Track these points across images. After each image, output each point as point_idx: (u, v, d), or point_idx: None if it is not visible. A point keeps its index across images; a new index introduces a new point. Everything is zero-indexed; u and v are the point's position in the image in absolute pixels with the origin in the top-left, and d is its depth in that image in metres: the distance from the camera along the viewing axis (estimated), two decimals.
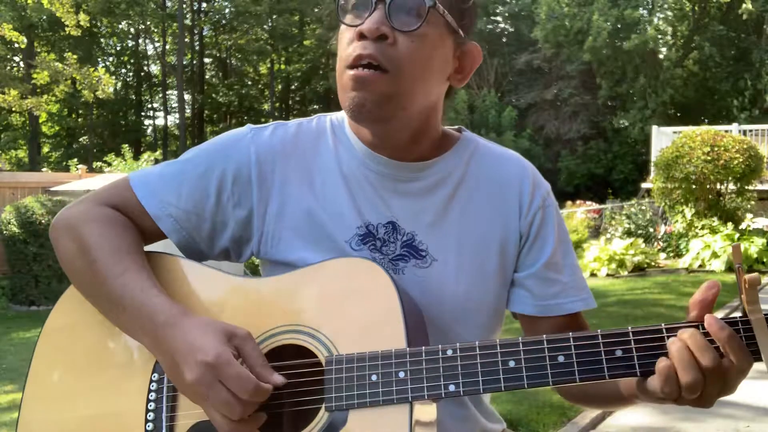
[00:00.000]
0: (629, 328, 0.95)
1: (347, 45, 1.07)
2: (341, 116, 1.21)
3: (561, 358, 0.95)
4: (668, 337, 0.94)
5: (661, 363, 0.92)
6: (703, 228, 11.41)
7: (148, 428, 1.05)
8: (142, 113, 38.29)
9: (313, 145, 1.18)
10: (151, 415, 1.05)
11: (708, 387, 0.92)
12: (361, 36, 1.05)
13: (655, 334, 0.94)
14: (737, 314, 0.95)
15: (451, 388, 0.97)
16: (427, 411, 1.01)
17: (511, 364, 0.96)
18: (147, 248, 1.17)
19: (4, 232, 9.86)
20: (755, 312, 0.90)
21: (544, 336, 0.97)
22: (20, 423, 1.11)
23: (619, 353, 0.94)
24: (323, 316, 1.04)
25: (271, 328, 1.05)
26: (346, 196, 1.14)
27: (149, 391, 1.06)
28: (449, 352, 0.98)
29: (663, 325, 0.95)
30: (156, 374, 1.07)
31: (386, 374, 0.98)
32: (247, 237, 1.17)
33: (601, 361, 0.94)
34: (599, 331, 0.95)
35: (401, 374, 0.97)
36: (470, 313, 1.15)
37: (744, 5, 24.13)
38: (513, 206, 1.18)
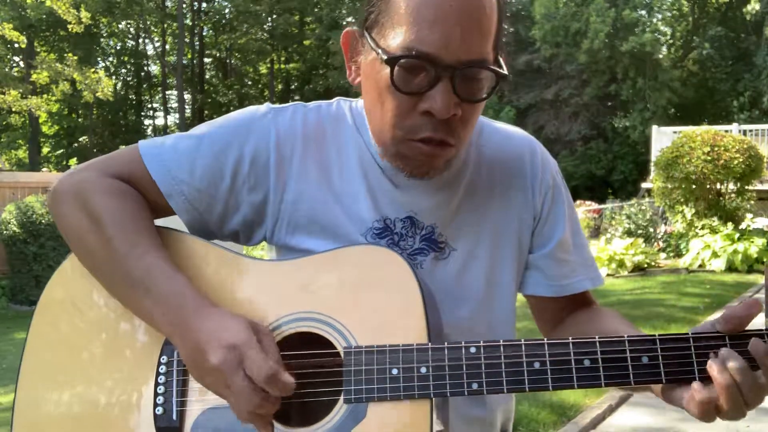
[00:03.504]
0: (656, 335, 0.94)
1: (405, 112, 0.98)
2: (362, 105, 1.14)
3: (587, 362, 0.94)
4: (696, 347, 0.93)
5: (701, 394, 0.91)
6: (703, 228, 11.41)
7: (157, 412, 1.01)
8: (142, 113, 38.32)
9: (333, 132, 1.13)
10: (160, 399, 1.02)
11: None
12: (427, 112, 0.97)
13: (682, 342, 0.94)
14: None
15: (474, 386, 0.94)
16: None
17: (536, 365, 0.94)
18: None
19: (4, 232, 9.87)
20: None
21: (570, 338, 0.95)
22: (17, 408, 1.05)
23: (645, 360, 0.93)
24: (340, 305, 1.00)
25: (286, 314, 1.02)
26: (364, 189, 1.10)
27: (158, 373, 1.03)
28: (473, 350, 0.95)
29: (690, 333, 0.94)
30: (165, 357, 1.03)
31: (407, 369, 0.95)
32: (260, 221, 1.12)
33: (627, 367, 0.93)
34: (626, 336, 0.95)
35: (423, 369, 0.95)
36: (490, 300, 1.13)
37: (750, 5, 24.12)
38: (526, 187, 1.16)
